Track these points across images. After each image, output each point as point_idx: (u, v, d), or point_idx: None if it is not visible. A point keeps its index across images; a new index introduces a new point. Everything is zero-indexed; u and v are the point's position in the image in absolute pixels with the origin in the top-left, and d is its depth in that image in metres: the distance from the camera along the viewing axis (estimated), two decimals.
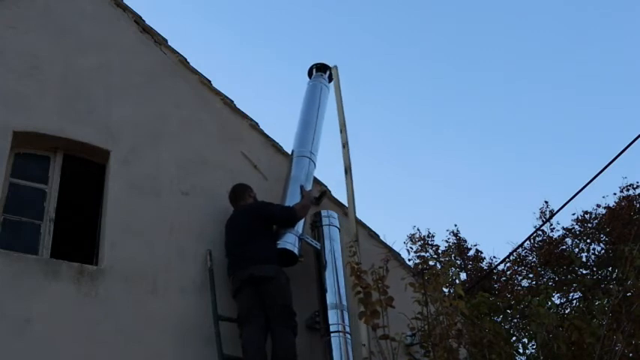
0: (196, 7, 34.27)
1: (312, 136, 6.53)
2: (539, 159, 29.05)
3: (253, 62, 35.61)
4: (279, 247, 5.51)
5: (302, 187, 5.90)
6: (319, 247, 5.77)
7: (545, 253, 17.18)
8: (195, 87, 6.49)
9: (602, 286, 14.01)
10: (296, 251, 5.59)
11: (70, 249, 6.02)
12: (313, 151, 6.39)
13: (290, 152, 6.43)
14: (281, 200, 5.94)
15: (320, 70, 7.26)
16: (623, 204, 17.10)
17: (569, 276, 16.70)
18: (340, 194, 6.52)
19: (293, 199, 5.86)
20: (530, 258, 17.98)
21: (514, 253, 16.87)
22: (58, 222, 5.51)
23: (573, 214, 17.81)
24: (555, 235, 17.85)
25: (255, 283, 5.25)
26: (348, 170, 6.28)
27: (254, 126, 6.54)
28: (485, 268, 18.42)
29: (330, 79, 7.20)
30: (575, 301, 15.59)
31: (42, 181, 5.60)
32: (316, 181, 6.44)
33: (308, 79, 7.26)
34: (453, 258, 18.09)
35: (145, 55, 6.43)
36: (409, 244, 19.04)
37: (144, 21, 6.62)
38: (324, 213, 5.99)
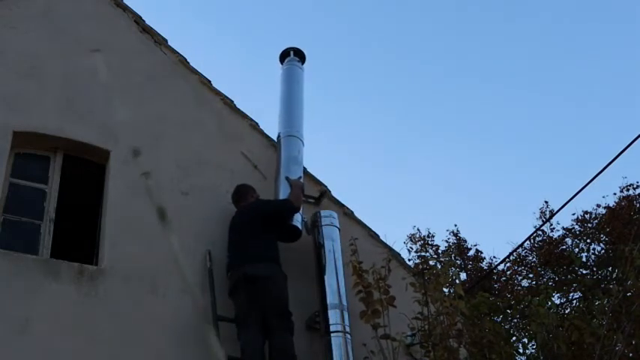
0: (196, 7, 34.27)
1: (297, 116, 6.56)
2: (539, 159, 29.07)
3: (253, 62, 35.62)
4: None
5: (288, 178, 5.90)
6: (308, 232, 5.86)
7: (545, 253, 17.19)
8: (195, 87, 6.49)
9: (602, 286, 14.00)
10: (300, 226, 5.69)
11: (70, 249, 6.02)
12: (300, 129, 6.44)
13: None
14: (275, 182, 6.00)
15: (290, 55, 7.14)
16: (623, 204, 17.10)
17: (569, 276, 16.70)
18: (339, 194, 6.54)
19: (290, 177, 5.93)
20: (530, 258, 17.99)
21: (514, 253, 16.88)
22: (58, 222, 5.51)
23: (573, 214, 17.84)
24: (555, 235, 17.88)
25: (251, 282, 5.24)
26: None
27: (254, 126, 6.54)
28: (486, 268, 18.42)
29: (303, 62, 7.15)
30: (575, 301, 15.59)
31: (42, 181, 5.60)
32: (316, 181, 6.44)
33: (280, 64, 7.14)
34: (453, 258, 18.09)
35: (145, 55, 6.43)
36: (409, 244, 19.07)
37: (144, 21, 6.61)
38: (324, 213, 5.99)
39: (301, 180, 5.98)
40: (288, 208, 5.66)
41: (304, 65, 7.15)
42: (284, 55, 7.15)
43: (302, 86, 6.93)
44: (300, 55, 7.14)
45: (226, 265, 5.48)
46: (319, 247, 5.79)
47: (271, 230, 5.56)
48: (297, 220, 5.71)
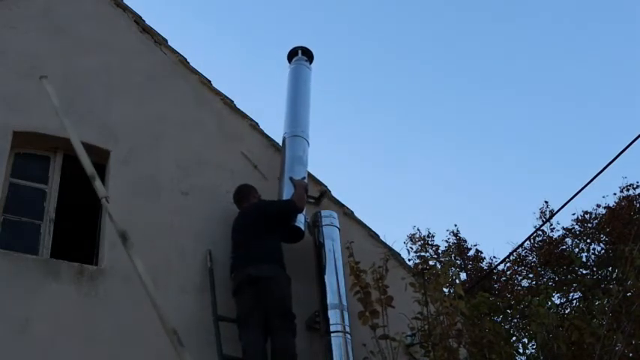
0: (196, 7, 34.28)
1: (303, 116, 6.55)
2: (539, 159, 29.08)
3: (253, 62, 35.63)
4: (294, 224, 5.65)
5: (291, 178, 5.90)
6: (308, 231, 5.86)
7: (545, 253, 17.20)
8: (195, 87, 6.49)
9: (602, 286, 14.00)
10: (302, 227, 5.69)
11: (70, 249, 6.02)
12: (305, 129, 6.43)
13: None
14: (279, 182, 6.00)
15: (299, 54, 7.14)
16: (623, 204, 17.11)
17: (569, 276, 16.70)
18: (339, 194, 6.54)
19: (294, 177, 5.93)
20: (530, 258, 18.00)
21: (514, 253, 16.89)
22: (58, 222, 5.51)
23: (573, 214, 17.85)
24: (555, 235, 17.88)
25: (254, 283, 5.24)
26: None
27: (254, 126, 6.54)
28: (485, 268, 18.43)
29: (311, 61, 7.13)
30: (575, 301, 15.59)
31: (42, 181, 5.60)
32: (316, 181, 6.44)
33: (288, 63, 7.15)
34: (453, 258, 18.09)
35: (145, 55, 6.43)
36: (409, 244, 19.09)
37: (144, 21, 6.62)
38: (324, 213, 5.98)
39: (305, 180, 5.98)
40: (292, 208, 5.65)
41: (312, 65, 7.13)
42: (292, 54, 7.14)
43: (309, 86, 6.91)
44: (308, 55, 7.14)
45: (230, 266, 5.47)
46: (319, 247, 5.79)
47: (274, 231, 5.56)
48: (300, 221, 5.70)
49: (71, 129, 4.93)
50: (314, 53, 7.13)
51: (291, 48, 7.15)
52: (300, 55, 7.10)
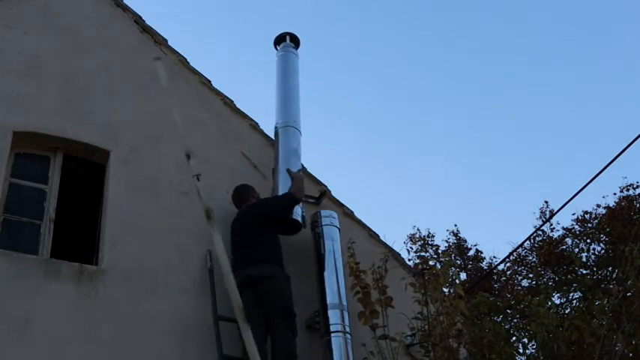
0: (196, 7, 34.29)
1: (293, 106, 6.53)
2: (540, 159, 29.09)
3: (253, 62, 35.63)
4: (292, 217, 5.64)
5: (289, 170, 5.90)
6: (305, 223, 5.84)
7: (545, 253, 17.19)
8: (196, 87, 6.48)
9: (602, 286, 14.00)
10: (299, 219, 5.68)
11: (70, 249, 6.02)
12: (297, 120, 6.42)
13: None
14: (273, 174, 6.01)
15: (286, 40, 7.09)
16: (623, 204, 17.11)
17: (569, 276, 16.70)
18: (339, 194, 6.54)
19: (291, 169, 5.94)
20: (530, 258, 18.00)
21: (514, 253, 16.89)
22: (58, 222, 5.51)
23: (573, 214, 17.85)
24: (555, 235, 17.88)
25: (254, 283, 5.24)
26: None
27: (254, 126, 6.54)
28: (485, 268, 18.44)
29: (297, 47, 7.08)
30: (575, 301, 15.59)
31: (42, 181, 5.60)
32: (316, 181, 6.44)
33: (275, 50, 7.12)
34: (453, 258, 18.10)
35: (145, 55, 6.43)
36: (409, 244, 19.10)
37: (144, 21, 6.62)
38: (324, 213, 5.98)
39: (301, 173, 5.99)
40: (290, 201, 5.65)
41: (299, 50, 7.08)
42: (279, 39, 7.08)
43: (298, 74, 6.88)
44: (294, 41, 7.09)
45: (231, 267, 5.46)
46: (319, 247, 5.79)
47: (273, 229, 5.56)
48: (297, 213, 5.71)
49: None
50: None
51: (278, 34, 7.08)
52: (288, 41, 7.05)
